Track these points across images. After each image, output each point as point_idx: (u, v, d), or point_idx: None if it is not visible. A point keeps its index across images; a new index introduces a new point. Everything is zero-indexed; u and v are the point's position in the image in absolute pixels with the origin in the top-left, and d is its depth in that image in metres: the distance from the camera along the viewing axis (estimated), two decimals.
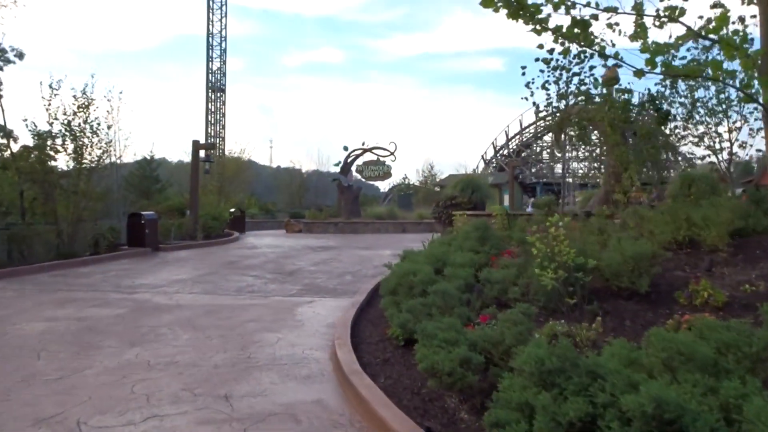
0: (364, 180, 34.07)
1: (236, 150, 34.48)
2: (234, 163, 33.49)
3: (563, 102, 10.73)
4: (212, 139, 38.91)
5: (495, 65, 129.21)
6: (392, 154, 32.87)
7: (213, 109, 42.18)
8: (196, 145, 24.79)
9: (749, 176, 22.51)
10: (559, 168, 79.64)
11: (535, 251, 5.51)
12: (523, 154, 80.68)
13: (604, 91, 10.34)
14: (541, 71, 10.90)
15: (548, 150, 79.21)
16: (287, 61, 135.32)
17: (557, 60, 10.49)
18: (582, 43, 5.79)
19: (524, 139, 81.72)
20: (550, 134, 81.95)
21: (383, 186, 51.81)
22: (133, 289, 10.00)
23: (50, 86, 14.54)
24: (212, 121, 41.80)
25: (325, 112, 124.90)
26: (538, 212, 11.72)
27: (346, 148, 32.62)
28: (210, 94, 42.19)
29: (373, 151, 33.06)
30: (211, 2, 43.12)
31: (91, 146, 15.24)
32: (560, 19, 11.47)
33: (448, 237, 9.72)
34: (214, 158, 27.50)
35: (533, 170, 72.46)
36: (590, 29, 5.70)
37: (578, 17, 5.68)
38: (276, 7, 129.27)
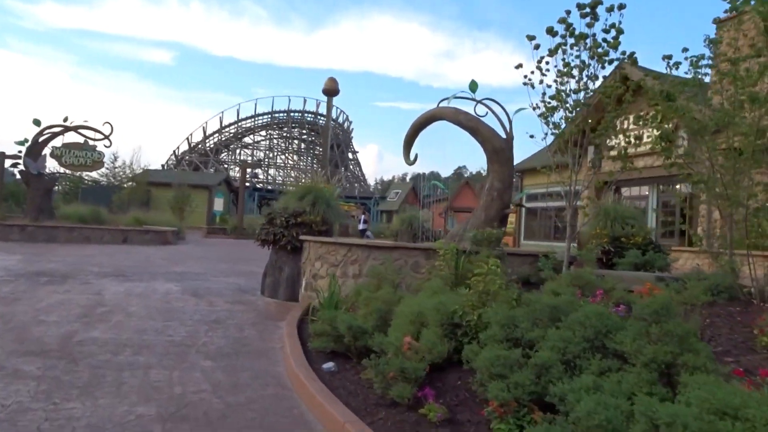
0: (62, 168, 25.27)
1: None
2: None
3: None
4: None
5: (163, 58, 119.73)
6: (107, 137, 25.13)
7: None
8: None
9: None
10: (277, 175, 76.99)
11: None
12: (222, 155, 76.05)
13: None
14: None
15: (270, 153, 76.11)
16: None
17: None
18: None
19: (223, 139, 77.10)
20: (268, 133, 79.25)
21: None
22: None
23: None
24: None
25: None
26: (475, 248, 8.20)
27: (38, 123, 23.60)
28: None
29: (79, 131, 24.75)
30: None
31: None
32: None
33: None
34: None
35: (261, 176, 68.22)
36: None
37: None
38: None
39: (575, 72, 6.75)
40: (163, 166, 68.85)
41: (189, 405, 4.78)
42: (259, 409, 4.80)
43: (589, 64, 6.77)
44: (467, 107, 10.17)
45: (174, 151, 74.29)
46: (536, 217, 28.62)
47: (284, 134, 78.43)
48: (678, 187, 19.23)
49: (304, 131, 79.03)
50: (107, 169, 47.44)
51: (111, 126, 25.07)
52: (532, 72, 7.08)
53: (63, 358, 5.93)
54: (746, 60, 7.07)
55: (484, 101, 10.28)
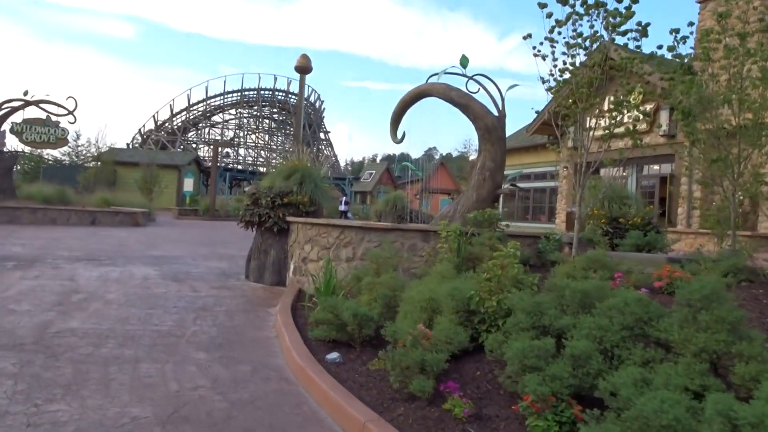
0: (24, 145, 24.07)
1: None
2: None
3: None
4: None
5: (126, 32, 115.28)
6: (71, 113, 24.00)
7: None
8: None
9: None
10: (248, 155, 75.36)
11: None
12: (190, 134, 74.15)
13: None
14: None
15: (240, 133, 74.25)
16: None
17: None
18: None
19: (191, 117, 75.06)
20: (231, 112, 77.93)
21: None
22: None
23: None
24: None
25: None
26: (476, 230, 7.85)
27: None
28: None
29: (41, 105, 23.57)
30: None
31: None
32: None
33: None
34: None
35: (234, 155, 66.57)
36: None
37: None
38: None
39: (588, 43, 6.41)
40: (128, 144, 66.67)
41: (188, 404, 4.35)
42: (266, 407, 4.40)
43: (602, 35, 6.43)
44: (458, 83, 9.81)
45: (140, 130, 72.05)
46: (513, 198, 28.52)
47: (254, 113, 76.74)
48: (657, 168, 19.26)
49: (275, 110, 77.45)
50: (70, 147, 45.73)
51: (75, 101, 23.96)
52: (541, 43, 6.72)
53: (40, 351, 5.41)
54: (754, 34, 6.85)
55: (475, 77, 9.91)
